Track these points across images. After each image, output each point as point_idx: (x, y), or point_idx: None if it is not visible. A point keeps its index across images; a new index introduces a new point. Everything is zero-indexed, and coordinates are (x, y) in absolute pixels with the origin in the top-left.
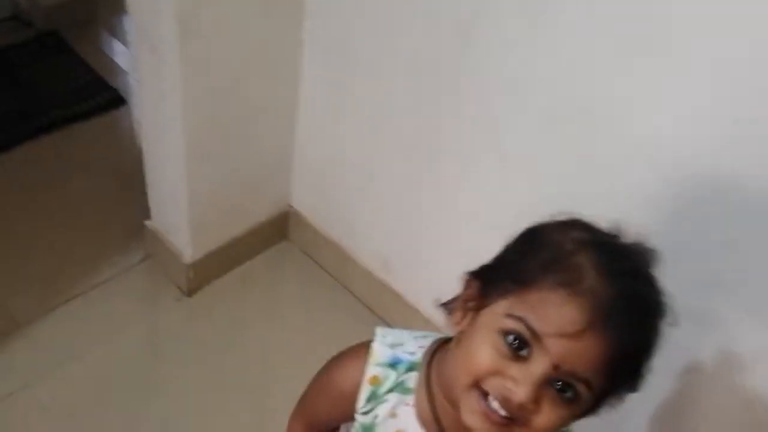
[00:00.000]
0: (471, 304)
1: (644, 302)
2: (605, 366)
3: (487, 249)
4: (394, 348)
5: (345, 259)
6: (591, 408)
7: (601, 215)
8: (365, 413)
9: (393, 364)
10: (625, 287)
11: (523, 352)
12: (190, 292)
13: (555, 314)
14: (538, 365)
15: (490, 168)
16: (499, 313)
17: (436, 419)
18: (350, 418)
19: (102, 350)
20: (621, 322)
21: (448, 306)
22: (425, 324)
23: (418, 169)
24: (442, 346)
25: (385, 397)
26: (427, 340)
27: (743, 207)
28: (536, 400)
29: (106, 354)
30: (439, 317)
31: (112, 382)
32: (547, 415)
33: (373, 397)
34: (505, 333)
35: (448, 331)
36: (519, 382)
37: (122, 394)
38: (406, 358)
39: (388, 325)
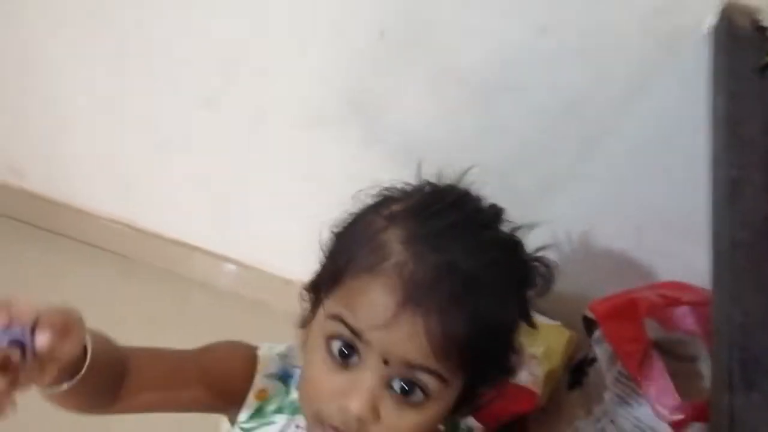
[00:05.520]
0: (309, 316)
1: (464, 269)
2: (441, 348)
3: None
4: (283, 359)
5: None
6: (460, 402)
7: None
8: (245, 430)
9: (283, 378)
10: (439, 256)
11: (354, 359)
12: None
13: (363, 304)
14: (367, 369)
15: None
16: (322, 317)
17: None
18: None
19: None
20: (438, 295)
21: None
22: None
23: None
24: None
25: (273, 418)
26: None
27: None
28: (375, 408)
29: None
30: None
31: None
32: (392, 422)
33: (258, 415)
34: (329, 339)
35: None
36: (350, 394)
37: None
38: (297, 372)
39: None
